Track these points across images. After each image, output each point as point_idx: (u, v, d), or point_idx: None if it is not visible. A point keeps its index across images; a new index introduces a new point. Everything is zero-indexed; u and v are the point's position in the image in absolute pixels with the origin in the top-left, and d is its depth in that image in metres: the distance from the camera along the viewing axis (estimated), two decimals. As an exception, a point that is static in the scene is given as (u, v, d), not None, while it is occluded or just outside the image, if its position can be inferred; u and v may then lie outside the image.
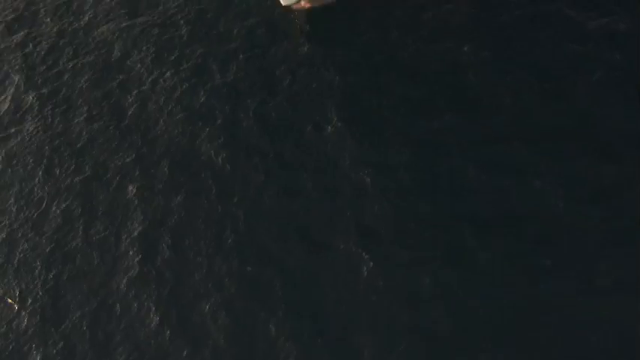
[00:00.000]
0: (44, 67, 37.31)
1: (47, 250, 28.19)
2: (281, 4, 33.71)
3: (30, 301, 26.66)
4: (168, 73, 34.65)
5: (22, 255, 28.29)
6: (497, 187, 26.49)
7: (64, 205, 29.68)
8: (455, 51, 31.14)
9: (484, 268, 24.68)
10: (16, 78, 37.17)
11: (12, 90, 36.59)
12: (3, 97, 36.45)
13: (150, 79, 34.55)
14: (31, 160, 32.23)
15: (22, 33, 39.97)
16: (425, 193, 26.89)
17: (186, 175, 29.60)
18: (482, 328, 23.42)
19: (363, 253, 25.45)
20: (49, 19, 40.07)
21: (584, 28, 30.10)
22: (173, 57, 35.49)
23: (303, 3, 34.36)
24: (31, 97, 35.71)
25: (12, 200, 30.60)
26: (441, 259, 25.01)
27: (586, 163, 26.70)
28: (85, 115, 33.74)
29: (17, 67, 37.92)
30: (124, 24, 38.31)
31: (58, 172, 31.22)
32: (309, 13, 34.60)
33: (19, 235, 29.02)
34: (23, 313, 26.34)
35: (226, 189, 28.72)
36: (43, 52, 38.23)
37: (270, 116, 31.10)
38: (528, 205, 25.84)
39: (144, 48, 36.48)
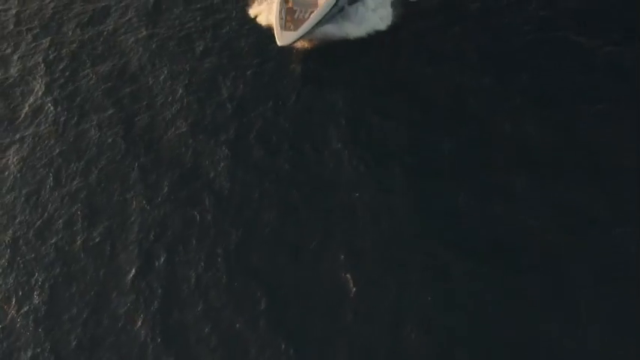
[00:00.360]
0: (62, 75, 38.40)
1: (46, 257, 28.84)
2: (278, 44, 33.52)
3: (24, 306, 27.30)
4: (178, 87, 35.35)
5: (21, 260, 29.01)
6: (489, 215, 26.21)
7: (66, 213, 30.39)
8: (459, 76, 31.13)
9: (470, 299, 24.36)
10: (36, 85, 38.34)
11: (30, 96, 37.71)
12: (21, 102, 37.54)
13: (160, 93, 35.29)
14: (40, 166, 33.15)
15: (45, 41, 41.23)
16: (416, 219, 26.78)
17: (185, 190, 30.07)
18: (466, 360, 23.15)
19: (349, 276, 25.43)
20: (71, 31, 41.29)
21: (589, 58, 29.82)
22: (185, 72, 36.22)
23: (302, 42, 34.23)
24: (47, 105, 36.74)
25: (18, 204, 31.43)
26: (427, 287, 24.78)
27: (583, 196, 26.25)
28: (95, 124, 34.61)
29: (37, 74, 39.09)
30: (141, 37, 39.31)
31: (64, 180, 32.02)
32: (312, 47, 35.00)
33: (21, 240, 29.73)
34: (17, 317, 26.98)
35: (222, 206, 29.08)
36: (62, 61, 39.36)
37: (272, 136, 31.41)
38: (519, 236, 25.49)
39: (157, 61, 37.33)
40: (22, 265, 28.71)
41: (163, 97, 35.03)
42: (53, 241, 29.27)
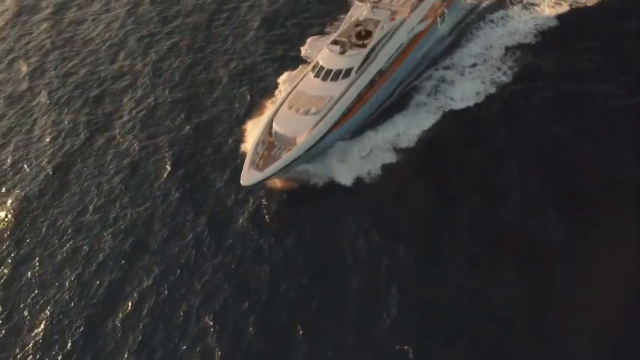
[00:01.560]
0: (143, 126, 40.98)
1: (56, 282, 31.59)
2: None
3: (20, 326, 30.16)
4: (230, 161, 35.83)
5: (38, 277, 32.17)
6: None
7: (89, 244, 33.14)
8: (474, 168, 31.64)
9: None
10: (121, 135, 40.76)
11: (111, 135, 40.86)
12: (103, 144, 40.48)
13: (211, 158, 36.42)
14: (89, 192, 36.52)
15: (145, 89, 44.33)
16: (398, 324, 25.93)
17: (192, 275, 30.35)
18: None
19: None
20: (168, 82, 44.38)
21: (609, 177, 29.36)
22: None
23: (274, 179, 31.27)
24: (115, 147, 39.60)
25: (58, 230, 34.67)
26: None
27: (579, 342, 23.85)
28: (151, 175, 36.72)
29: (126, 122, 41.76)
30: (220, 90, 41.73)
31: (97, 222, 34.44)
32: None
33: (42, 265, 32.80)
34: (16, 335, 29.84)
35: (218, 279, 29.54)
36: (150, 117, 41.79)
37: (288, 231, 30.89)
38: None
39: (229, 121, 38.80)
40: (39, 283, 31.82)
41: (213, 166, 35.86)
42: (69, 274, 31.80)
